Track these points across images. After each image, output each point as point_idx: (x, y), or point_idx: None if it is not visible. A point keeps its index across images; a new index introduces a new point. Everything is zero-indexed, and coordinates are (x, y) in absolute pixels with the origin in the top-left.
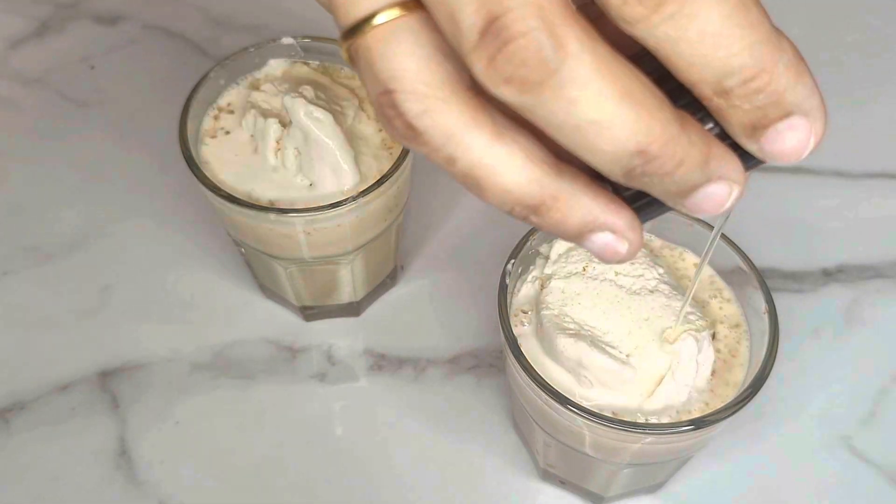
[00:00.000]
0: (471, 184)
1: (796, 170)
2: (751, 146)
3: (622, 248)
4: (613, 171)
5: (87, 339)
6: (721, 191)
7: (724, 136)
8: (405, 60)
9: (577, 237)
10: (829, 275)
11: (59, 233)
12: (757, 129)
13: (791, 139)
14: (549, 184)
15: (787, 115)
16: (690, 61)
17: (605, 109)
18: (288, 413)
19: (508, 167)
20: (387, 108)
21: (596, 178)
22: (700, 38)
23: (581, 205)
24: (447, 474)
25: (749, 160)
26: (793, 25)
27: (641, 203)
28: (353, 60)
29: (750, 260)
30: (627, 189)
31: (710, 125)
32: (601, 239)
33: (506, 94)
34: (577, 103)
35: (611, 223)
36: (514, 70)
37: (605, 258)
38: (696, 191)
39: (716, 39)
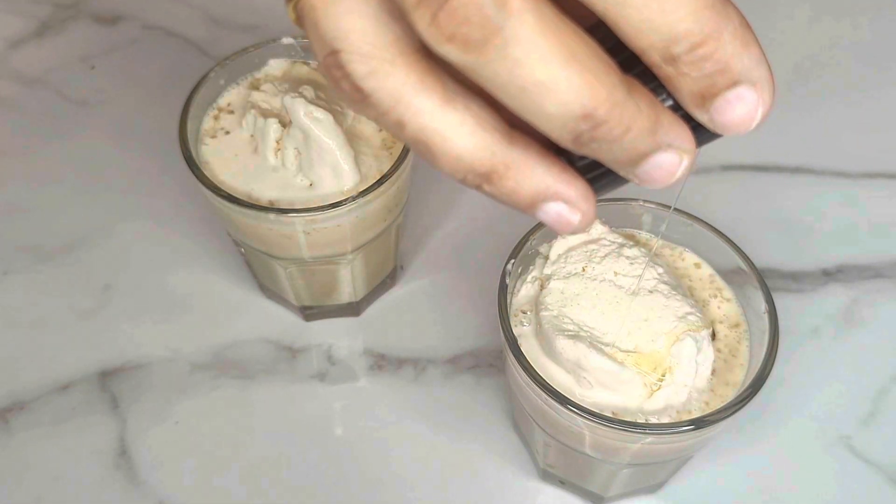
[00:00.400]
0: (422, 149)
1: (796, 170)
2: (701, 116)
3: (574, 218)
4: (562, 137)
5: (87, 339)
6: (671, 160)
7: (677, 109)
8: (351, 20)
9: (530, 207)
10: (829, 275)
11: (59, 233)
12: (706, 98)
13: (740, 109)
14: (500, 151)
15: (734, 83)
16: (638, 27)
17: (549, 71)
18: (288, 413)
19: (459, 133)
20: (333, 69)
21: (550, 149)
22: (646, 1)
23: (534, 174)
24: (447, 474)
25: (702, 135)
26: (793, 26)
27: (595, 174)
28: (299, 21)
29: (750, 260)
30: (581, 160)
31: (663, 97)
32: (554, 209)
33: (449, 53)
34: (520, 64)
35: (564, 193)
36: (456, 28)
37: (558, 229)
38: (646, 159)
39: (661, 4)
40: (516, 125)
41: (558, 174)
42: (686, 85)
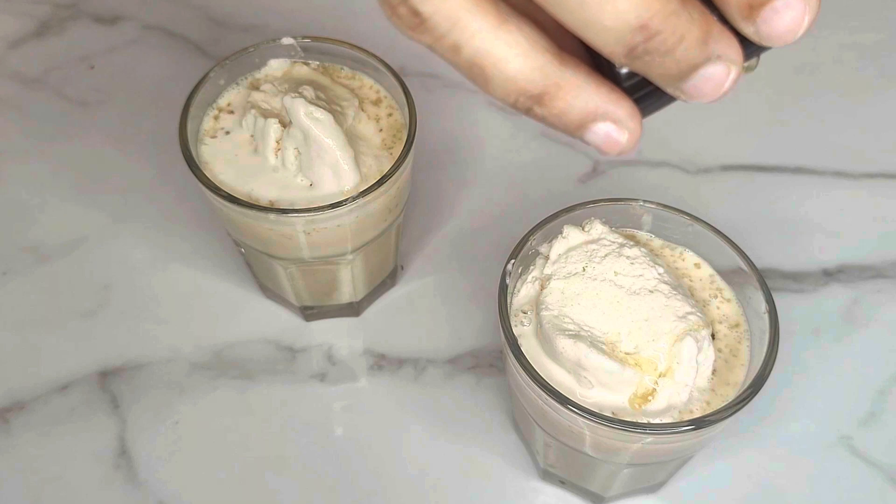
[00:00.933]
0: (476, 73)
1: (796, 170)
2: (747, 28)
3: (622, 137)
4: (616, 51)
5: (87, 339)
6: (720, 72)
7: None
8: None
9: (579, 128)
10: (829, 275)
11: (59, 233)
12: (754, 7)
13: (786, 18)
14: (552, 72)
15: None
16: None
17: None
18: (288, 413)
19: (513, 54)
20: None
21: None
22: None
23: (584, 94)
24: (447, 474)
25: (746, 49)
26: None
27: (641, 94)
28: None
29: (750, 260)
30: (628, 80)
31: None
32: (602, 129)
33: None
34: None
35: (612, 112)
36: None
37: (606, 149)
38: (696, 72)
39: None
40: (565, 48)
41: (607, 94)
42: None
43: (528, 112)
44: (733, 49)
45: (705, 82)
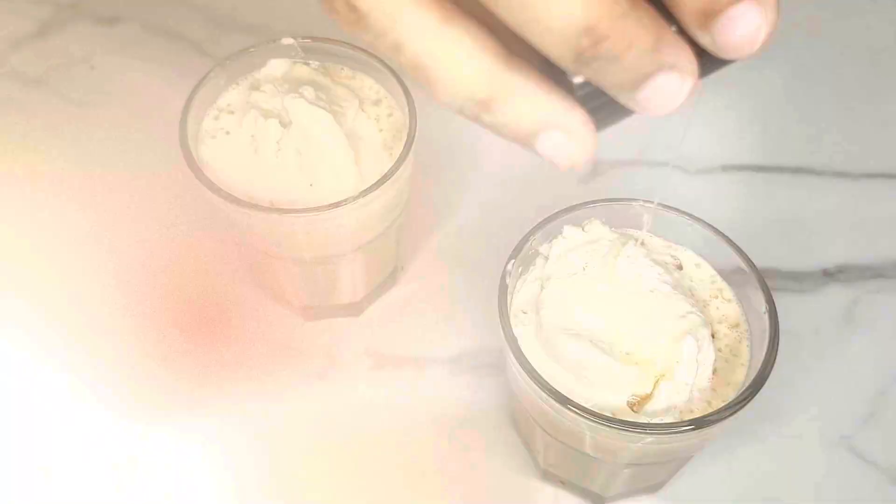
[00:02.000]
0: (420, 75)
1: (796, 170)
2: (704, 38)
3: (573, 148)
4: (564, 56)
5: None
6: (672, 82)
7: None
8: None
9: (529, 137)
10: (829, 275)
11: (60, 233)
12: (709, 16)
13: (743, 27)
14: (500, 75)
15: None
16: None
17: None
18: (288, 413)
19: (458, 55)
20: None
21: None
22: None
23: (534, 100)
24: (447, 474)
25: (707, 62)
26: (794, 27)
27: (596, 104)
28: None
29: (750, 260)
30: (581, 89)
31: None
32: (553, 139)
33: None
34: None
35: (564, 121)
36: None
37: (557, 161)
38: (648, 81)
39: None
40: (514, 53)
41: (558, 101)
42: (690, 2)
43: (476, 120)
44: (686, 58)
45: (657, 93)
